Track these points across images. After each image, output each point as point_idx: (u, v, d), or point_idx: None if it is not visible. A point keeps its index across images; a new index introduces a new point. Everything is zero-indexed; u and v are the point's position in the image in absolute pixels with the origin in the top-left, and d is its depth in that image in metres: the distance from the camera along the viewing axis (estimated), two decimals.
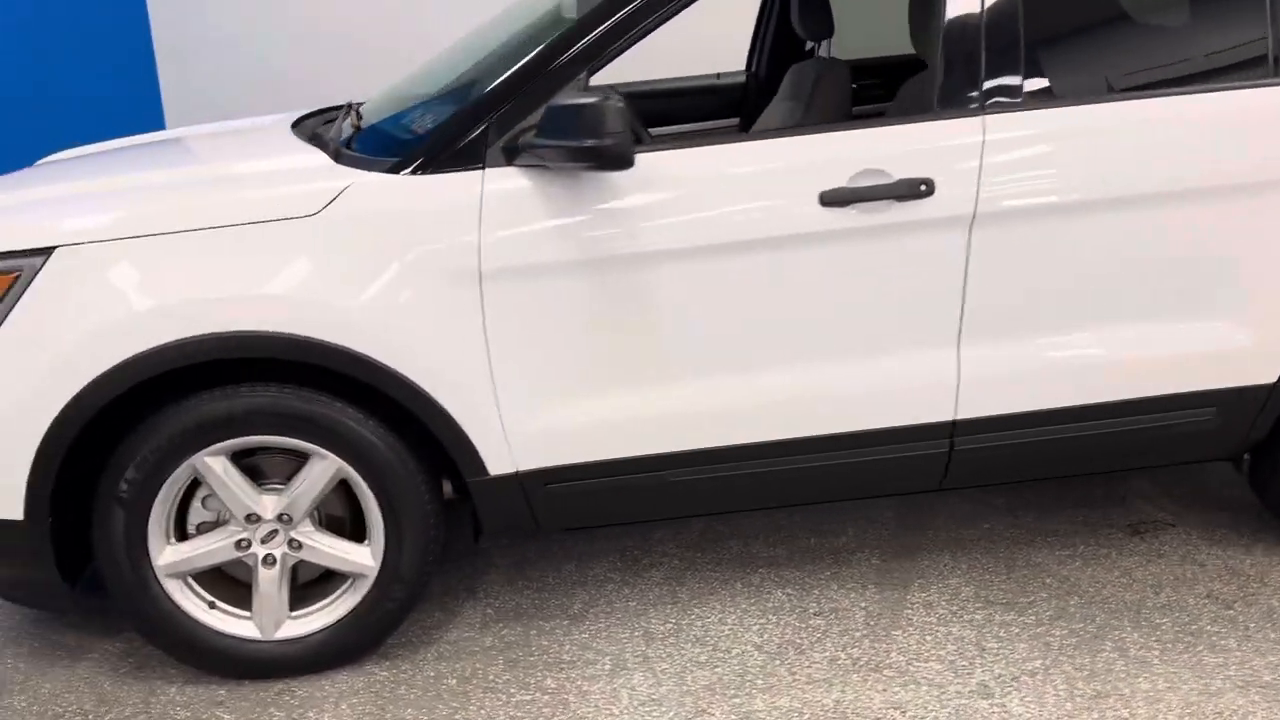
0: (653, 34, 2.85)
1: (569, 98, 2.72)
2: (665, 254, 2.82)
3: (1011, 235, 2.87)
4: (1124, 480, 3.86)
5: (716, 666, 2.99)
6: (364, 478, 2.87)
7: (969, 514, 3.71)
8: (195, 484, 2.90)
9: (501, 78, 2.86)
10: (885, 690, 2.86)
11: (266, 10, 6.62)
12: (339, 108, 3.69)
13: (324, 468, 2.86)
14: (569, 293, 2.81)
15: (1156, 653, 2.95)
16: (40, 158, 3.87)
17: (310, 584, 3.04)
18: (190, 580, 2.95)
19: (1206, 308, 2.98)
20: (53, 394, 2.70)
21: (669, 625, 3.19)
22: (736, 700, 2.85)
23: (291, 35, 6.59)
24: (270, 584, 2.93)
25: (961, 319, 2.92)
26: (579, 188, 2.78)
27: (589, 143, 2.64)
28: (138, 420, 2.80)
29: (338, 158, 2.96)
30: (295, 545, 2.94)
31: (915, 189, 2.82)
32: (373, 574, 2.95)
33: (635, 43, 2.84)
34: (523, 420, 2.87)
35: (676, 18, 2.85)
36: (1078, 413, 3.02)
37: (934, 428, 2.99)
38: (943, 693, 2.84)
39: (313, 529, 2.95)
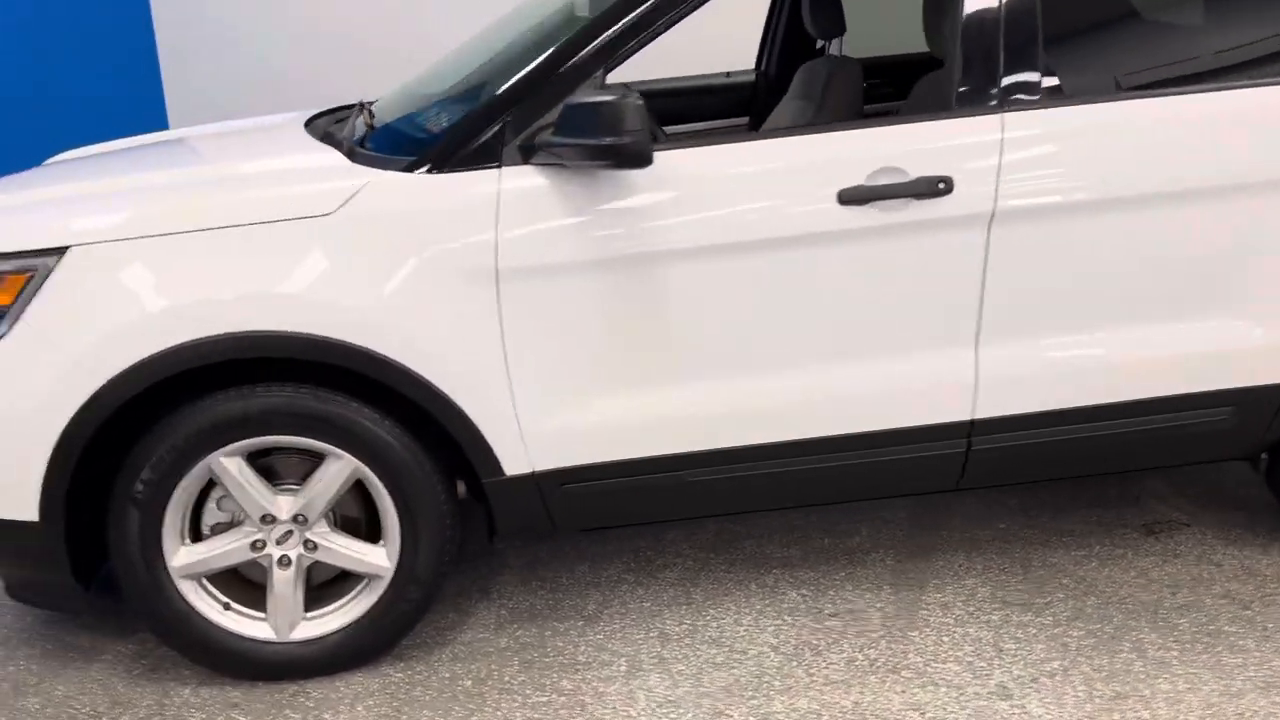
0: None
1: (587, 96, 2.70)
2: (681, 253, 2.81)
3: (1030, 233, 2.86)
4: (1137, 480, 3.85)
5: (733, 668, 2.98)
6: (380, 478, 2.86)
7: (982, 514, 3.69)
8: (210, 485, 2.88)
9: (517, 76, 2.85)
10: (904, 691, 2.84)
11: (267, 10, 6.61)
12: (349, 107, 3.68)
13: (340, 468, 2.85)
14: (586, 291, 2.80)
15: (1175, 653, 2.94)
16: (44, 158, 3.85)
17: (325, 585, 3.03)
18: (205, 581, 2.94)
19: (1226, 306, 2.96)
20: (68, 394, 2.69)
21: (684, 626, 3.17)
22: (754, 702, 2.84)
23: (291, 35, 6.59)
24: (285, 585, 2.92)
25: (979, 318, 2.91)
26: (596, 186, 2.76)
27: (608, 141, 2.62)
28: (153, 421, 2.78)
29: (352, 156, 2.95)
30: (310, 546, 2.92)
31: (934, 187, 2.81)
32: (388, 575, 2.94)
33: (652, 40, 2.82)
34: (539, 420, 2.86)
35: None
36: (1095, 412, 3.01)
37: (951, 427, 2.98)
38: (962, 694, 2.82)
39: (328, 530, 2.93)
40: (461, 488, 3.04)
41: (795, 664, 2.98)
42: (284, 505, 2.88)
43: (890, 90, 4.28)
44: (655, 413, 2.90)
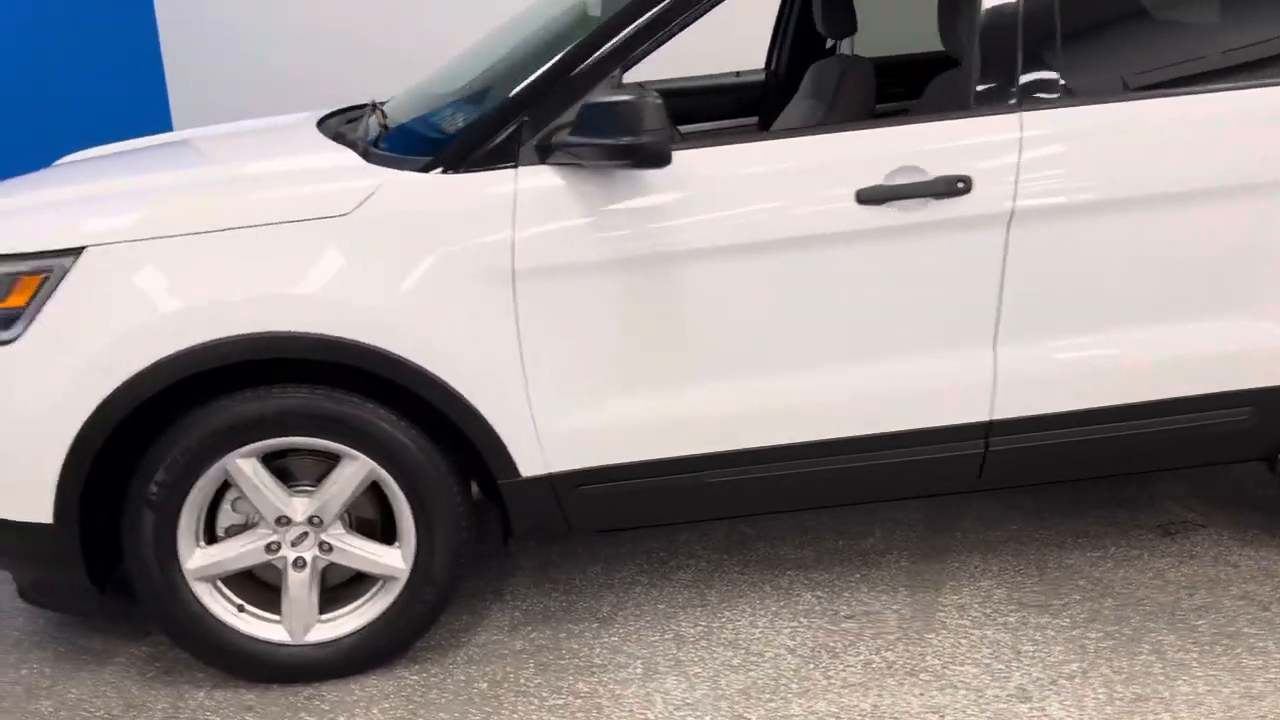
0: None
1: (605, 95, 2.69)
2: (699, 252, 2.79)
3: (1049, 233, 2.85)
4: (1152, 481, 3.83)
5: (750, 670, 2.96)
6: (396, 479, 2.84)
7: (997, 515, 3.68)
8: (225, 487, 2.87)
9: (533, 76, 2.84)
10: (923, 694, 2.83)
11: (267, 10, 6.61)
12: (361, 107, 3.66)
13: (355, 469, 2.83)
14: (603, 291, 2.78)
15: (1194, 655, 2.93)
16: (49, 159, 3.81)
17: (340, 587, 3.01)
18: (219, 584, 2.92)
19: (1247, 306, 2.95)
20: (83, 396, 2.67)
21: (699, 628, 3.16)
22: (772, 705, 2.82)
23: (291, 35, 6.58)
24: (300, 587, 2.90)
25: (998, 318, 2.90)
26: (613, 186, 2.75)
27: (626, 140, 2.61)
28: (168, 422, 2.77)
29: (367, 157, 2.93)
30: (326, 548, 2.90)
31: (952, 186, 2.79)
32: (404, 576, 2.92)
33: (669, 39, 2.81)
34: (555, 421, 2.84)
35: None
36: (1113, 413, 2.99)
37: (969, 428, 2.96)
38: (981, 696, 2.81)
39: (343, 531, 2.92)
40: (475, 489, 3.02)
41: (812, 666, 2.96)
42: (299, 507, 2.86)
43: (900, 90, 4.26)
44: (672, 414, 2.88)
